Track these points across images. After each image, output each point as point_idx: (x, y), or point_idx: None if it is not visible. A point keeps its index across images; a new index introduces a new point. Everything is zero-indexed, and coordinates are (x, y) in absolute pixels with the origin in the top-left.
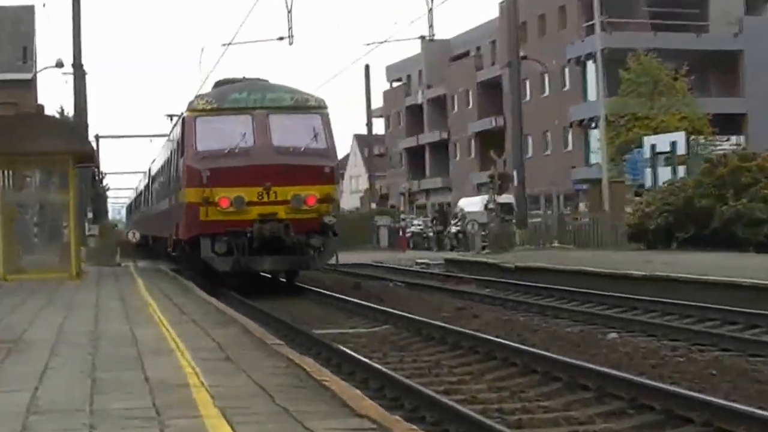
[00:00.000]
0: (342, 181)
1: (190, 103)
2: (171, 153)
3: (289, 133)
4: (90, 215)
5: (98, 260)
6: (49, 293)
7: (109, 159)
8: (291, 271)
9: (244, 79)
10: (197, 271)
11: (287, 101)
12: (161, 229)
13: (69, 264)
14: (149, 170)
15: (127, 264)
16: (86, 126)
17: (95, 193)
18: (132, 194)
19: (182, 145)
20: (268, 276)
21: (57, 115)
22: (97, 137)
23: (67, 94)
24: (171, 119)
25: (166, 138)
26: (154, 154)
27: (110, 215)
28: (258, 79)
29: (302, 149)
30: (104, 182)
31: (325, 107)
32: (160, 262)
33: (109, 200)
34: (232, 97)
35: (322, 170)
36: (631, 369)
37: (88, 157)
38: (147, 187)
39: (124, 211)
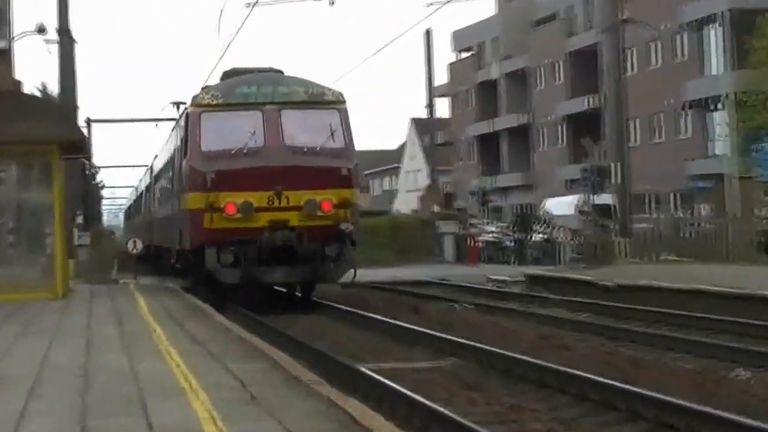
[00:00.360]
0: (394, 178)
1: (195, 97)
2: (174, 151)
3: (302, 130)
4: (80, 220)
5: (90, 276)
6: (29, 317)
7: (104, 150)
8: (305, 283)
9: (255, 70)
10: (202, 283)
11: (301, 95)
12: (165, 238)
13: (53, 281)
14: (151, 167)
15: (126, 281)
16: (75, 107)
17: (86, 193)
18: (132, 194)
19: (185, 144)
20: (282, 290)
21: (38, 94)
22: (88, 121)
23: (51, 68)
24: (177, 108)
25: (171, 131)
26: (158, 146)
27: (105, 220)
28: (270, 69)
29: (317, 149)
30: (98, 179)
31: (343, 101)
32: (167, 279)
33: (104, 201)
34: (240, 91)
35: (339, 172)
36: (766, 417)
37: (78, 147)
38: (149, 186)
39: (122, 215)
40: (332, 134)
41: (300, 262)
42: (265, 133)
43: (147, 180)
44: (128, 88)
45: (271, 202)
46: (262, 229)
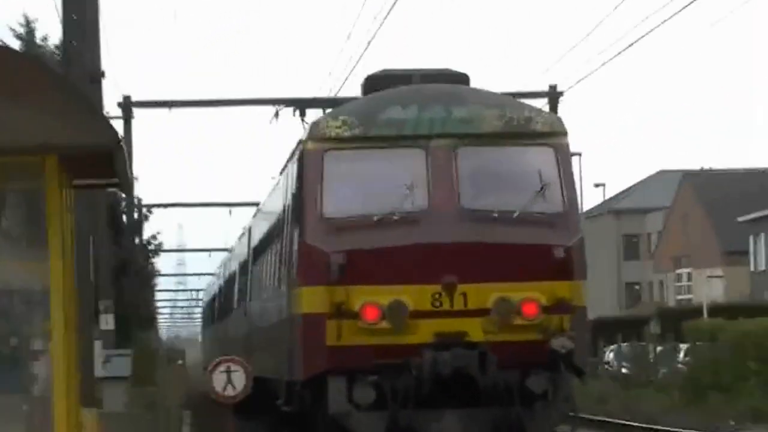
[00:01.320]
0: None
1: (315, 125)
2: (279, 220)
3: (494, 183)
4: (108, 322)
5: None
6: None
7: (162, 183)
8: None
9: (419, 74)
10: None
11: (492, 123)
12: (267, 362)
13: None
14: (250, 230)
15: None
16: (98, 76)
17: (124, 264)
18: (218, 277)
19: (297, 206)
20: None
21: (15, 43)
22: (126, 105)
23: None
24: (303, 116)
25: (279, 173)
26: (264, 193)
27: (164, 327)
28: (445, 74)
29: (517, 214)
30: (147, 231)
31: (564, 132)
32: None
33: (163, 286)
34: (390, 116)
35: (551, 253)
36: None
37: (104, 162)
38: (245, 266)
39: (199, 319)
40: (543, 189)
41: (485, 404)
42: (430, 188)
43: (243, 253)
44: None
45: (438, 303)
46: (422, 348)
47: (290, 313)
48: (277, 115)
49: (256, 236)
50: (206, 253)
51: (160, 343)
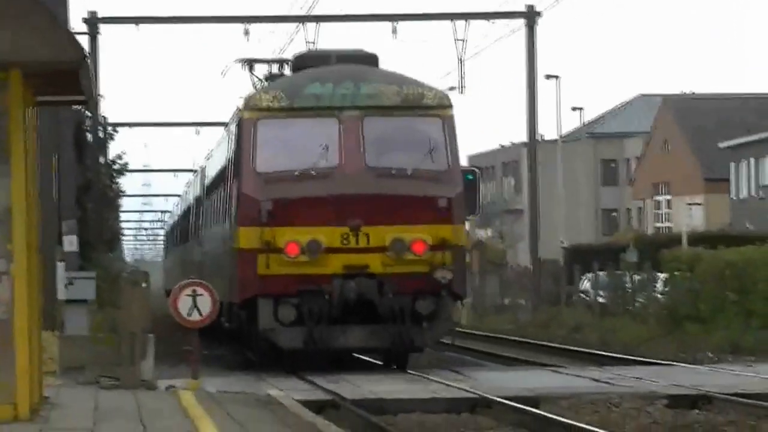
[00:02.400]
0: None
1: (250, 98)
2: (223, 169)
3: (391, 145)
4: (71, 243)
5: (94, 368)
6: None
7: (128, 102)
8: (393, 351)
9: (337, 55)
10: (256, 349)
11: (392, 97)
12: (216, 288)
13: (9, 377)
14: (203, 170)
15: (172, 384)
16: None
17: (89, 183)
18: (177, 205)
19: (236, 161)
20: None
21: None
22: (91, 21)
23: None
24: (250, 69)
25: (224, 130)
26: (214, 138)
27: (129, 249)
28: (358, 55)
29: (409, 171)
30: (112, 151)
31: (449, 106)
32: (262, 375)
33: (127, 208)
34: (311, 91)
35: (436, 203)
36: None
37: (68, 78)
38: (200, 200)
39: (161, 243)
40: (431, 151)
41: (383, 321)
42: (342, 149)
43: (197, 190)
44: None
45: (346, 242)
46: (333, 277)
47: (230, 247)
48: (224, 73)
49: (208, 177)
50: (172, 174)
51: (124, 265)
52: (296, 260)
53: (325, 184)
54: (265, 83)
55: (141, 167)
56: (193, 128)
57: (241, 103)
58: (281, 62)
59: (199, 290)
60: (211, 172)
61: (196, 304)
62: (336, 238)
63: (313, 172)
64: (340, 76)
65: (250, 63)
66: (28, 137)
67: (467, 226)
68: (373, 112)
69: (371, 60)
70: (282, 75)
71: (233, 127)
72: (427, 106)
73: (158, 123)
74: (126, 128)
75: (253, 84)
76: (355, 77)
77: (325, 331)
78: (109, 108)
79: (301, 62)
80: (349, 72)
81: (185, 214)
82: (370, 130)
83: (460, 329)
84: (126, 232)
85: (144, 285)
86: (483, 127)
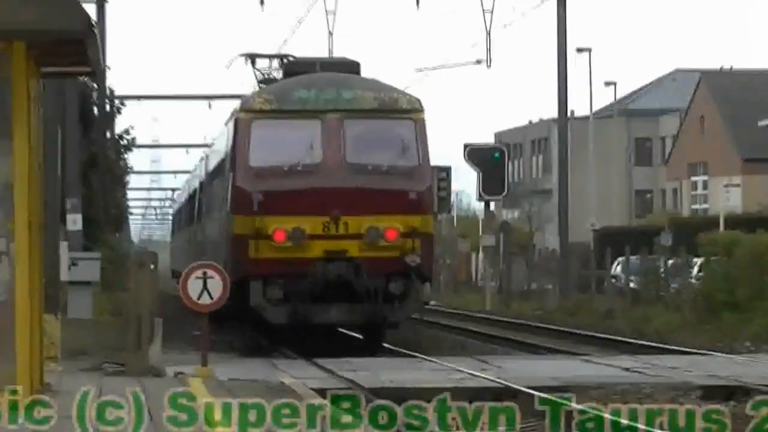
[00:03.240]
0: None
1: (245, 101)
2: (222, 160)
3: (368, 144)
4: (75, 222)
5: (99, 353)
6: None
7: (137, 78)
8: (368, 326)
9: (323, 63)
10: (246, 324)
11: (369, 101)
12: None
13: (10, 361)
14: (207, 158)
15: (181, 371)
16: None
17: (93, 158)
18: (185, 187)
19: (232, 156)
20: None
21: None
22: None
23: None
24: (252, 63)
25: (224, 124)
26: (216, 128)
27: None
28: (342, 63)
29: (384, 167)
30: (119, 125)
31: (421, 110)
32: (276, 364)
33: (133, 182)
34: (298, 95)
35: (407, 196)
36: None
37: (74, 47)
38: (203, 186)
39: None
40: (404, 150)
41: (359, 300)
42: (324, 147)
43: (201, 176)
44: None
45: (327, 229)
46: (315, 261)
47: (226, 232)
48: (228, 66)
49: (210, 166)
50: (183, 150)
51: (132, 245)
52: (283, 246)
53: (310, 179)
54: (267, 79)
55: (150, 142)
56: (205, 101)
57: (237, 105)
58: (281, 57)
59: (210, 273)
60: (213, 161)
61: (206, 287)
62: (318, 226)
63: (299, 167)
64: (324, 83)
65: (252, 57)
66: (31, 110)
67: (492, 206)
68: (352, 114)
69: (353, 67)
70: (275, 80)
71: (231, 125)
72: (401, 110)
73: (168, 96)
74: (134, 101)
75: (255, 76)
76: (337, 84)
77: (308, 309)
78: (117, 80)
79: (291, 68)
80: (332, 79)
81: (191, 196)
82: (350, 130)
83: (485, 315)
84: (133, 210)
85: (152, 267)
86: (511, 102)
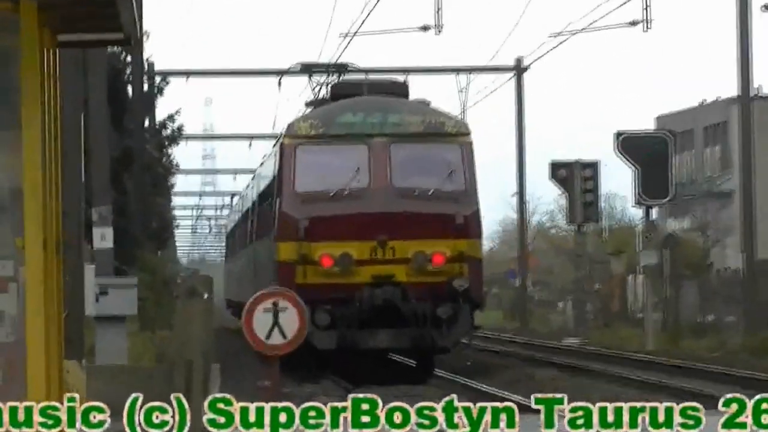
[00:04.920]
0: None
1: (291, 126)
2: (270, 184)
3: (415, 169)
4: (102, 232)
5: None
6: None
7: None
8: (418, 350)
9: (370, 85)
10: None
11: (416, 125)
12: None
13: None
14: (258, 175)
15: None
16: None
17: (128, 154)
18: (240, 201)
19: (279, 182)
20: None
21: None
22: None
23: None
24: (309, 76)
25: (272, 147)
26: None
27: (180, 243)
28: (389, 86)
29: (430, 192)
30: (162, 117)
31: (467, 133)
32: None
33: (179, 184)
34: (344, 120)
35: (454, 220)
36: None
37: (102, 10)
38: (254, 208)
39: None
40: (451, 174)
41: (406, 325)
42: (371, 172)
43: (252, 196)
44: None
45: (374, 254)
46: (362, 286)
47: (272, 259)
48: (280, 83)
49: (261, 187)
50: (245, 142)
51: (179, 268)
52: (330, 271)
53: (356, 203)
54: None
55: (201, 132)
56: (273, 78)
57: (283, 131)
58: (339, 68)
59: (283, 303)
60: (263, 183)
61: (277, 322)
62: (365, 252)
63: (345, 192)
64: (370, 107)
65: (309, 68)
66: (47, 92)
67: (654, 213)
68: (399, 139)
69: (402, 88)
70: (323, 101)
71: (277, 149)
72: (448, 134)
73: (225, 71)
74: (181, 78)
75: (311, 87)
76: (384, 108)
77: (356, 334)
78: (158, 52)
79: (339, 90)
80: (378, 103)
81: (245, 214)
82: (396, 155)
83: (645, 357)
84: (180, 222)
85: (206, 296)
86: (678, 78)
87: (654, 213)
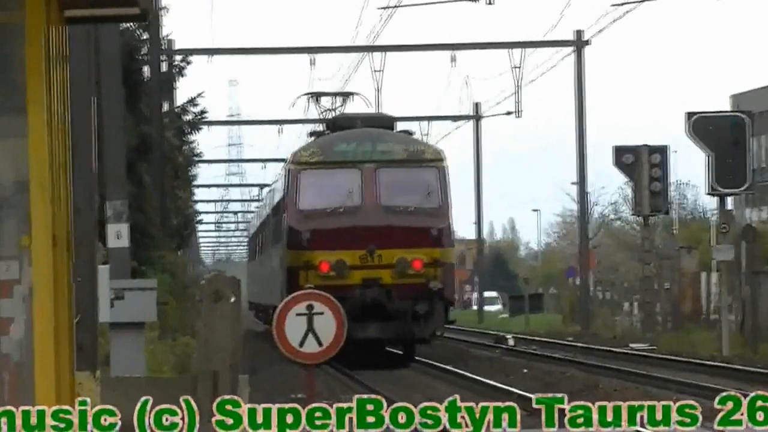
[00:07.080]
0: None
1: (295, 154)
2: (281, 200)
3: (399, 189)
4: (117, 229)
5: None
6: None
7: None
8: (401, 341)
9: (362, 119)
10: None
11: (400, 153)
12: (275, 297)
13: None
14: (273, 190)
15: None
16: None
17: (146, 142)
18: (264, 205)
19: (286, 200)
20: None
21: None
22: None
23: None
24: (317, 101)
25: (281, 169)
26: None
27: (203, 241)
28: (379, 119)
29: (411, 208)
30: (183, 101)
31: (442, 159)
32: None
33: (203, 175)
34: (339, 149)
35: (430, 232)
36: None
37: None
38: (269, 217)
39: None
40: (429, 194)
41: (391, 319)
42: (362, 192)
43: (271, 205)
44: None
45: (364, 261)
46: (355, 287)
47: (282, 265)
48: (292, 105)
49: (275, 200)
50: (275, 127)
51: (202, 268)
52: (327, 275)
53: (350, 219)
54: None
55: (226, 117)
56: (306, 56)
57: (289, 158)
58: (345, 95)
59: (318, 306)
60: (276, 197)
61: (312, 328)
62: (357, 258)
63: (341, 209)
64: (361, 137)
65: (316, 96)
66: (53, 73)
67: (730, 203)
68: (385, 164)
69: (388, 121)
70: (323, 132)
71: (284, 172)
72: (427, 160)
73: (252, 49)
74: (203, 58)
75: (318, 113)
76: (373, 138)
77: (350, 327)
78: (178, 28)
79: (337, 123)
80: (369, 134)
81: (266, 220)
82: (383, 178)
83: (720, 364)
84: (204, 218)
85: (233, 299)
86: (756, 53)
87: (730, 203)
